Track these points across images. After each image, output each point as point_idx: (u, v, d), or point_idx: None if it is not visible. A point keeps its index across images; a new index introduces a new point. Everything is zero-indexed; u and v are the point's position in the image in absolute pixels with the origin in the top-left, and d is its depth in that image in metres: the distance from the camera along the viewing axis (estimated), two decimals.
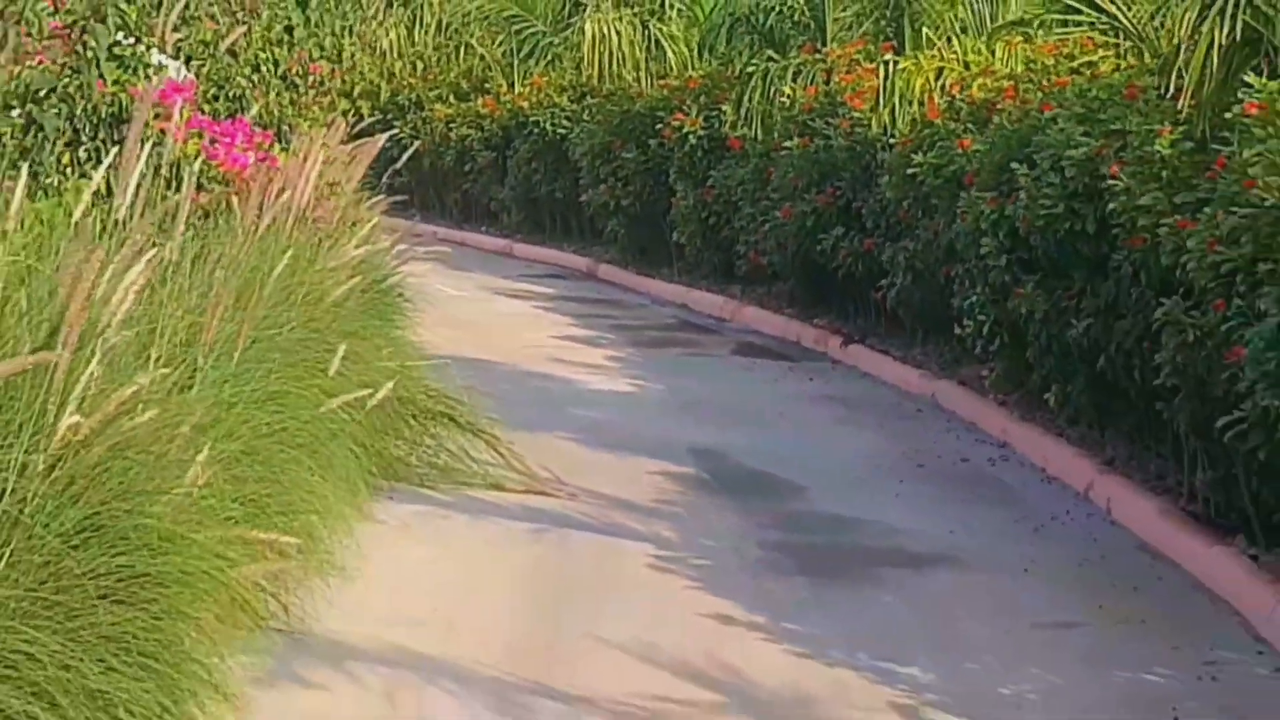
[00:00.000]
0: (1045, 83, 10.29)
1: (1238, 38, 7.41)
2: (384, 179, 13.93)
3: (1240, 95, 7.17)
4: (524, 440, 9.61)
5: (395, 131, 18.22)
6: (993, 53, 12.17)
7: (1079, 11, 10.09)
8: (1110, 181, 7.96)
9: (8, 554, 4.74)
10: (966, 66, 12.07)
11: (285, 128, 11.56)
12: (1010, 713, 6.12)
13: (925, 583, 7.80)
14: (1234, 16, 7.39)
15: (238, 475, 6.24)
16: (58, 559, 4.86)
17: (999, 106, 10.52)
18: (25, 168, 6.51)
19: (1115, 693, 6.35)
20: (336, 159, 11.42)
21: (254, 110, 10.71)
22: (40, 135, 7.47)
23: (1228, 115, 7.25)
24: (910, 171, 11.33)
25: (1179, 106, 7.74)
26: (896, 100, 12.21)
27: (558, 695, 6.12)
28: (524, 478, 9.30)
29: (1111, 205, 7.97)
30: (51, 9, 9.00)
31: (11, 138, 7.20)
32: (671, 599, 7.39)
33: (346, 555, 7.38)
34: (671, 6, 18.33)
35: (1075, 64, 10.40)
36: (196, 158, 8.02)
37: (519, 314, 16.42)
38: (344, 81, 20.50)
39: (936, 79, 12.02)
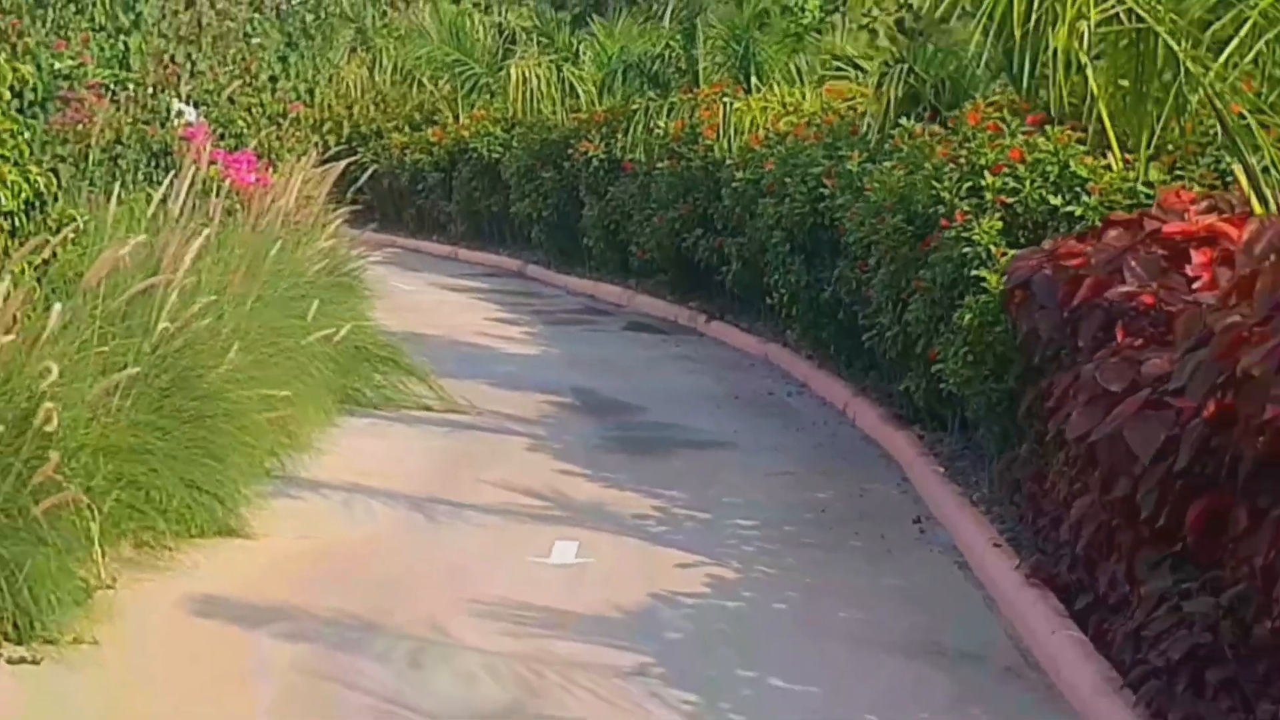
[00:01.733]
0: (819, 120, 14.29)
1: (901, 95, 11.39)
2: (349, 196, 17.88)
3: (897, 131, 11.15)
4: (450, 384, 13.49)
5: (358, 157, 22.05)
6: (804, 96, 16.15)
7: (852, 69, 14.13)
8: (826, 189, 12.00)
9: (134, 396, 8.66)
10: (783, 106, 16.02)
11: (273, 155, 15.42)
12: (722, 511, 10.04)
13: (704, 455, 11.76)
14: (900, 81, 11.37)
15: (254, 372, 10.16)
16: (161, 398, 8.79)
17: (789, 137, 14.53)
18: (117, 186, 10.41)
19: (794, 501, 10.31)
20: (310, 178, 15.42)
21: (252, 144, 14.68)
22: (120, 165, 11.37)
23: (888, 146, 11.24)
24: (735, 185, 15.34)
25: (869, 139, 11.75)
26: (732, 132, 16.17)
27: (449, 502, 10.05)
28: (446, 404, 13.19)
29: (824, 205, 12.01)
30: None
31: (104, 167, 11.05)
32: (533, 462, 11.32)
33: (318, 442, 11.32)
34: (583, 54, 22.23)
35: (844, 106, 14.36)
36: (218, 179, 11.96)
37: (457, 302, 20.29)
38: (315, 118, 24.50)
39: (761, 115, 15.99)
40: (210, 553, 8.62)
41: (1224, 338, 5.16)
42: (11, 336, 7.35)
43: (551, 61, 21.61)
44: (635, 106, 18.97)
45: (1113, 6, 5.98)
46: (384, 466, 10.98)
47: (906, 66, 11.04)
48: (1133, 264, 6.69)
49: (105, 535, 7.78)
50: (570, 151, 20.97)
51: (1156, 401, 5.70)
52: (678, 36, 19.67)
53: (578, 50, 22.49)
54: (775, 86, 16.75)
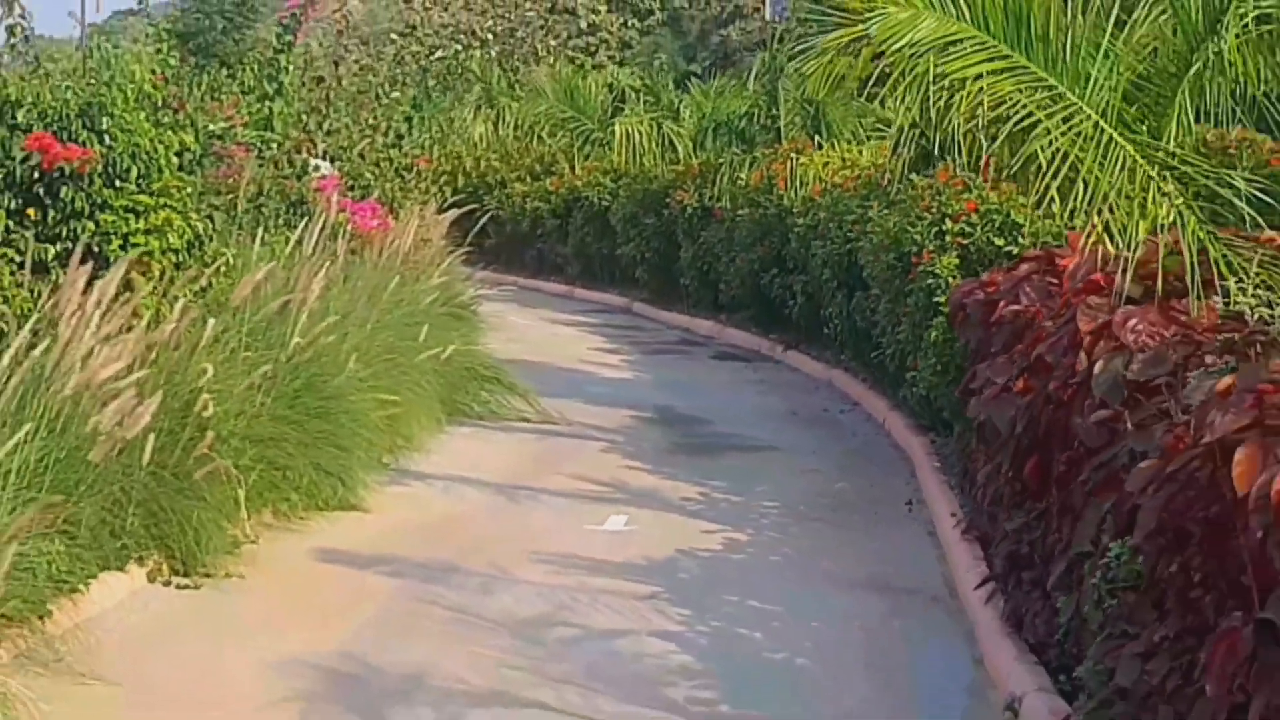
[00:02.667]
0: (865, 174, 16.34)
1: (914, 154, 13.41)
2: (471, 240, 20.17)
3: (906, 184, 13.18)
4: (549, 401, 15.65)
5: (479, 205, 24.39)
6: (861, 152, 18.21)
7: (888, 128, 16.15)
8: (853, 233, 14.09)
9: (273, 395, 10.92)
10: (842, 161, 18.09)
11: (395, 203, 17.74)
12: (752, 495, 12.08)
13: (752, 456, 13.81)
14: (912, 142, 13.38)
15: (370, 381, 12.41)
16: (294, 398, 11.06)
17: (839, 188, 16.60)
18: (260, 229, 12.75)
19: (814, 490, 12.33)
20: (429, 223, 17.76)
21: (375, 193, 17.05)
22: (264, 212, 13.72)
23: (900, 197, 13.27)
24: (797, 229, 17.44)
25: (889, 191, 13.81)
26: (797, 183, 18.27)
27: (529, 488, 12.20)
28: (541, 416, 15.35)
29: (852, 246, 14.09)
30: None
31: (250, 214, 13.38)
32: (605, 460, 13.45)
33: (428, 444, 13.55)
34: (683, 111, 24.47)
35: (884, 162, 16.36)
36: (344, 224, 14.27)
37: (566, 335, 22.49)
38: (440, 170, 26.95)
39: (822, 169, 18.07)
40: (333, 521, 10.85)
41: (1029, 335, 7.17)
42: (177, 345, 9.65)
43: (653, 119, 23.84)
44: (722, 160, 21.12)
45: (1004, 102, 7.75)
46: (480, 463, 13.17)
47: (919, 130, 13.04)
48: (1027, 289, 8.67)
49: (250, 503, 10.02)
50: (669, 200, 23.15)
51: (1007, 387, 7.71)
52: (763, 98, 21.80)
53: (679, 109, 24.71)
54: (839, 144, 18.80)
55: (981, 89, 7.09)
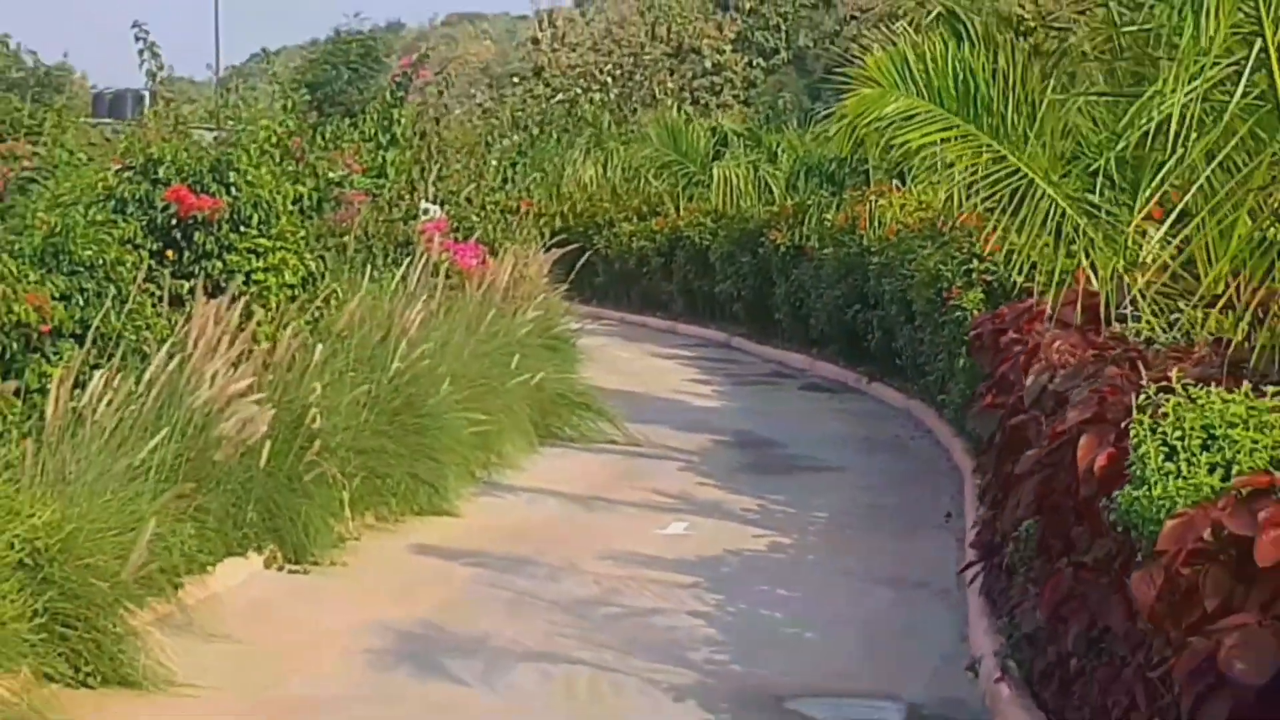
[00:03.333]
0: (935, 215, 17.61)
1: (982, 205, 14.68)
2: (580, 277, 21.69)
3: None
4: (637, 426, 17.05)
5: (587, 244, 25.95)
6: (935, 194, 19.46)
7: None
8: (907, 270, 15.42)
9: (374, 412, 12.44)
10: (918, 202, 19.37)
11: (496, 244, 19.29)
12: (806, 508, 13.41)
13: (816, 475, 15.13)
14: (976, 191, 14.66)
15: (464, 403, 13.91)
16: (393, 415, 12.58)
17: (909, 228, 17.91)
18: (368, 268, 14.33)
19: (865, 503, 13.62)
20: (527, 261, 19.31)
21: (477, 234, 18.64)
22: (373, 252, 15.33)
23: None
24: (872, 267, 18.76)
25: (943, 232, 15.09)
26: (875, 224, 19.59)
27: (605, 499, 13.63)
28: (627, 440, 16.78)
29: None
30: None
31: (361, 254, 14.99)
32: (679, 477, 14.83)
33: (520, 462, 15.03)
34: (779, 155, 25.90)
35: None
36: (446, 263, 15.83)
37: (664, 367, 23.90)
38: (551, 211, 28.58)
39: (899, 210, 19.37)
40: (426, 523, 12.35)
41: (999, 356, 8.49)
42: (290, 366, 11.22)
43: (751, 162, 25.28)
44: (810, 202, 22.50)
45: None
46: (565, 478, 14.61)
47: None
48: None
49: (353, 506, 11.55)
50: (763, 239, 24.53)
51: (993, 403, 9.03)
52: (853, 142, 23.14)
53: (776, 152, 26.14)
54: (915, 187, 20.09)
55: (936, 152, 8.42)
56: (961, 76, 8.29)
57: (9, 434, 8.75)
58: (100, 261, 10.33)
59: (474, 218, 19.36)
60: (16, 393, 9.15)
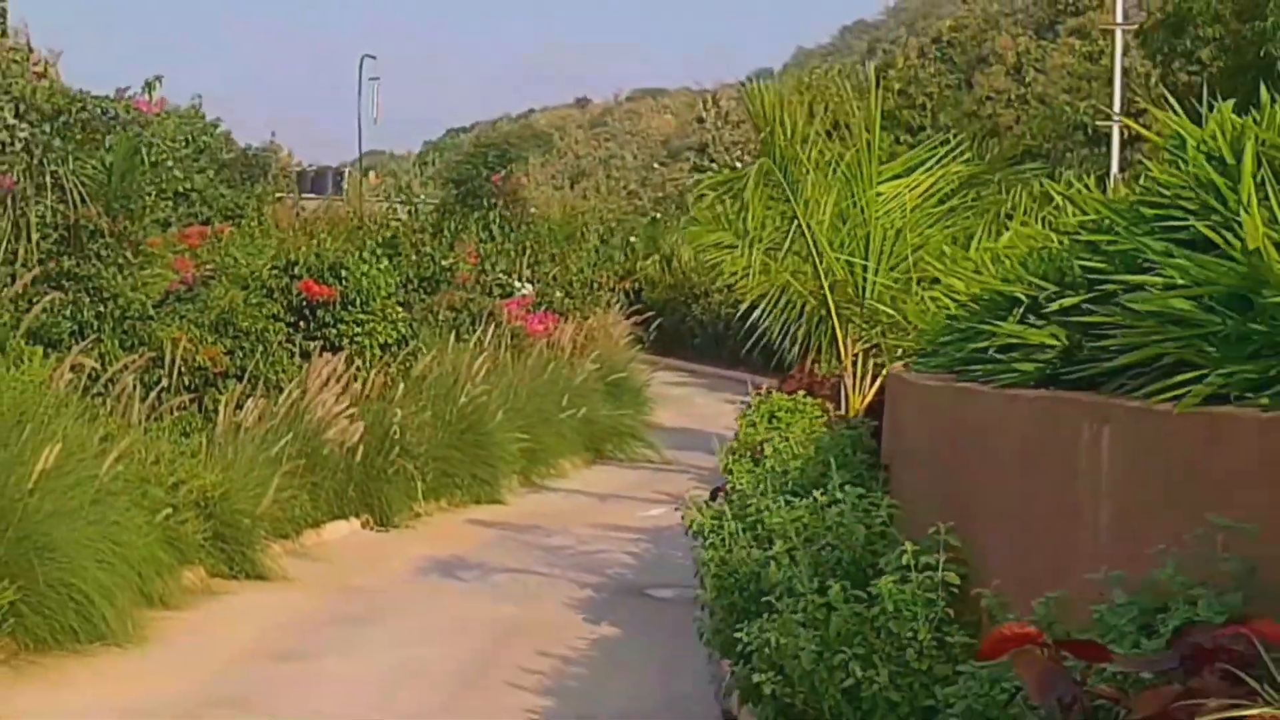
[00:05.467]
0: None
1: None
2: (677, 337, 27.13)
3: None
4: (679, 453, 22.43)
5: (682, 311, 31.29)
6: None
7: None
8: None
9: (445, 430, 17.97)
10: None
11: (567, 312, 24.78)
12: None
13: None
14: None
15: (517, 428, 19.40)
16: (459, 434, 18.11)
17: None
18: (453, 333, 19.94)
19: None
20: (602, 325, 24.86)
21: (554, 306, 24.21)
22: (460, 320, 20.91)
23: None
24: None
25: None
26: None
27: (618, 496, 19.03)
28: (661, 460, 22.17)
29: None
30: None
31: (448, 323, 20.54)
32: (687, 484, 20.09)
33: (569, 474, 20.51)
34: None
35: None
36: (518, 328, 21.39)
37: (728, 410, 28.57)
38: (661, 281, 34.04)
39: None
40: (481, 508, 17.82)
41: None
42: (379, 398, 16.84)
43: None
44: None
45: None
46: (598, 484, 20.02)
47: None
48: None
49: (427, 493, 17.08)
50: None
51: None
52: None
53: None
54: None
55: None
56: (745, 217, 13.47)
57: (196, 435, 14.39)
58: (254, 329, 16.03)
59: (558, 293, 24.91)
60: (200, 410, 14.84)
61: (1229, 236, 4.80)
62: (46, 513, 10.80)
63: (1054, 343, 5.83)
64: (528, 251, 25.01)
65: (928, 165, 13.00)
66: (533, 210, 28.23)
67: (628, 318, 28.42)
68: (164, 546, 12.25)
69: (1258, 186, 5.03)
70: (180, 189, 29.10)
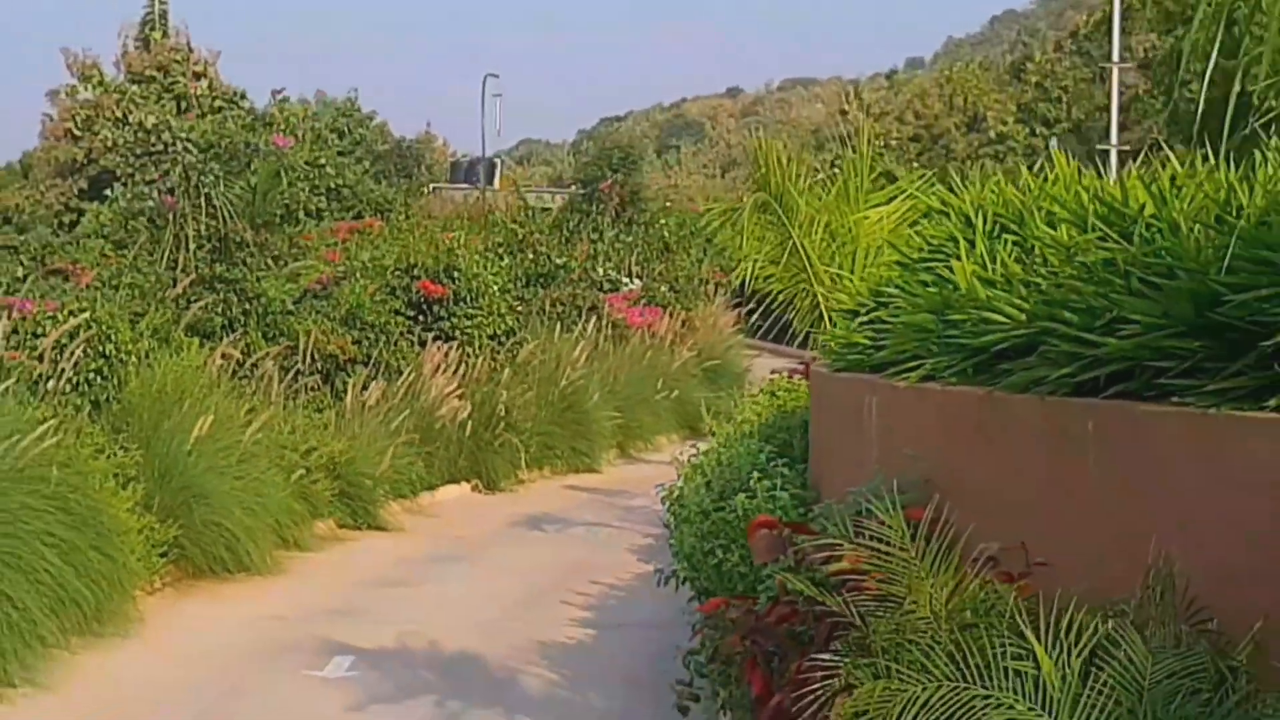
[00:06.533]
0: None
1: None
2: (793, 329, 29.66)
3: None
4: None
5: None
6: None
7: None
8: None
9: (546, 409, 20.67)
10: None
11: (669, 306, 27.35)
12: None
13: None
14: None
15: (611, 408, 22.06)
16: (560, 412, 20.80)
17: None
18: (558, 324, 22.65)
19: None
20: (703, 317, 27.43)
21: (655, 299, 26.82)
22: (565, 313, 23.56)
23: None
24: None
25: None
26: None
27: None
28: None
29: None
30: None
31: (554, 315, 23.19)
32: None
33: (665, 447, 23.13)
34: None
35: None
36: (619, 320, 24.03)
37: None
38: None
39: None
40: (579, 476, 20.51)
41: None
42: (487, 381, 19.61)
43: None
44: None
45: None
46: (685, 456, 22.56)
47: None
48: None
49: (529, 463, 19.81)
50: None
51: None
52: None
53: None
54: None
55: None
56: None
57: (326, 411, 17.21)
58: (379, 322, 18.85)
59: (663, 288, 27.52)
60: (330, 391, 17.70)
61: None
62: (202, 469, 13.63)
63: (865, 341, 8.39)
64: (636, 250, 27.65)
65: (904, 195, 15.37)
66: (667, 203, 30.95)
67: (733, 307, 30.91)
68: (298, 500, 15.06)
69: (989, 239, 7.57)
70: (332, 185, 32.18)
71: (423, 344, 19.37)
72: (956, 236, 7.72)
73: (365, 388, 17.68)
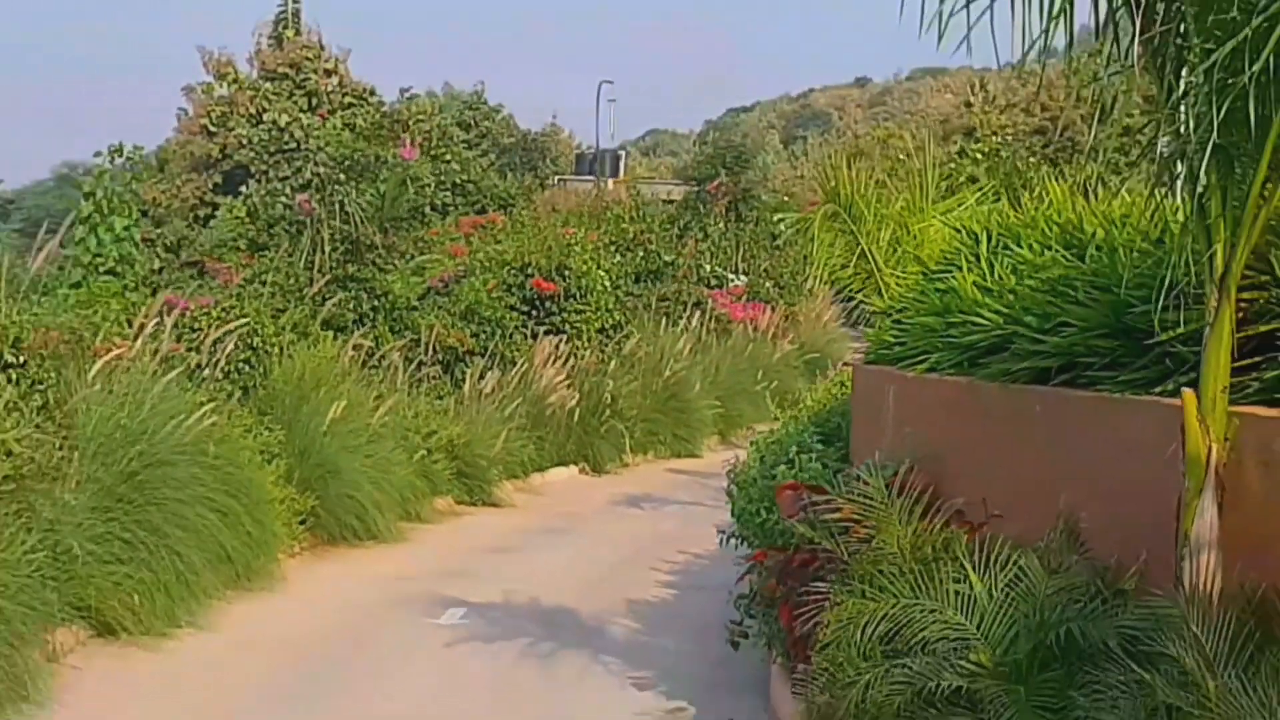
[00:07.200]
0: None
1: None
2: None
3: None
4: None
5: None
6: None
7: None
8: None
9: (650, 398, 22.31)
10: None
11: (772, 301, 28.83)
12: None
13: None
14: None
15: (716, 398, 23.64)
16: (663, 401, 22.41)
17: None
18: (664, 318, 24.26)
19: None
20: (806, 311, 28.93)
21: (760, 295, 28.33)
22: (671, 308, 25.13)
23: None
24: None
25: None
26: None
27: None
28: None
29: None
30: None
31: (658, 309, 24.76)
32: None
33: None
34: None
35: None
36: (722, 314, 25.59)
37: None
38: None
39: None
40: (681, 461, 22.10)
41: None
42: (595, 373, 21.28)
43: None
44: None
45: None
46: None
47: None
48: None
49: (634, 448, 21.44)
50: None
51: None
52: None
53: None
54: None
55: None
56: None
57: (446, 398, 18.95)
58: (495, 317, 20.58)
59: (767, 284, 29.03)
60: (450, 380, 19.45)
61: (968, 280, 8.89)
62: (335, 448, 15.39)
63: (890, 339, 9.97)
64: (742, 247, 29.22)
65: (965, 205, 16.77)
66: (786, 197, 32.50)
67: (836, 302, 32.35)
68: (420, 478, 16.81)
69: (992, 252, 9.13)
70: (456, 180, 33.83)
71: (535, 337, 21.05)
72: (962, 251, 9.26)
73: (482, 377, 19.39)
